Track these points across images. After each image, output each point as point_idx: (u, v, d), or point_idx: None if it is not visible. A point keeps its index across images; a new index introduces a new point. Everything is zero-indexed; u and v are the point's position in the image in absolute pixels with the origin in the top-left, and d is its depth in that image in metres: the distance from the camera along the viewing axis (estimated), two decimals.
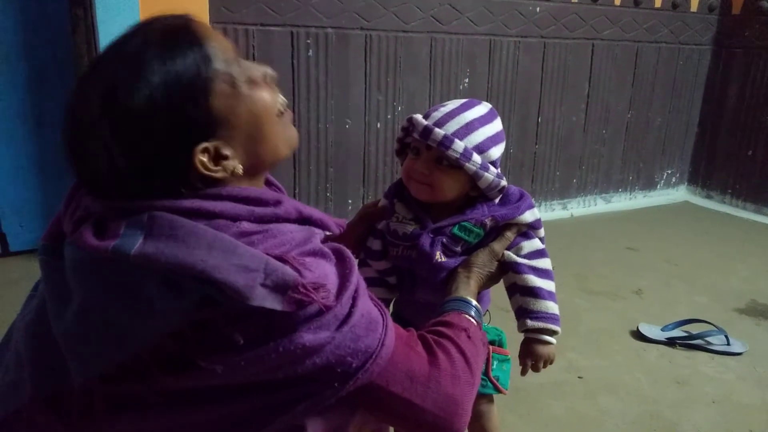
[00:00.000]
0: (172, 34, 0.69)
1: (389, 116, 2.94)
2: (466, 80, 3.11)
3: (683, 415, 1.69)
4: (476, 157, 1.01)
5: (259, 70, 0.76)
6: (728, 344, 2.04)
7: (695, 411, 1.71)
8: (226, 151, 0.71)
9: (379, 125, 2.93)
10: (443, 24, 2.95)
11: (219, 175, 0.71)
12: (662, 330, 2.13)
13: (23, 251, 2.59)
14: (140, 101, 0.65)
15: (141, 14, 2.24)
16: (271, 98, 0.76)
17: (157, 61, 0.66)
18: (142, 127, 0.66)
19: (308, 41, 2.65)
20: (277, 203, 0.74)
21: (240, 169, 0.72)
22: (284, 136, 0.79)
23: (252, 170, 0.76)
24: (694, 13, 3.72)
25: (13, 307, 0.82)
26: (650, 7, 3.54)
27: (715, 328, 2.10)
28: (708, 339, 2.07)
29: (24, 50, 2.42)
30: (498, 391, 1.15)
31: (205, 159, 0.69)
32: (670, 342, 2.08)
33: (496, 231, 1.08)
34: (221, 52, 0.71)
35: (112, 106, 0.66)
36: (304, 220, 0.77)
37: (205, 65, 0.69)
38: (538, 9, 3.19)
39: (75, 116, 0.70)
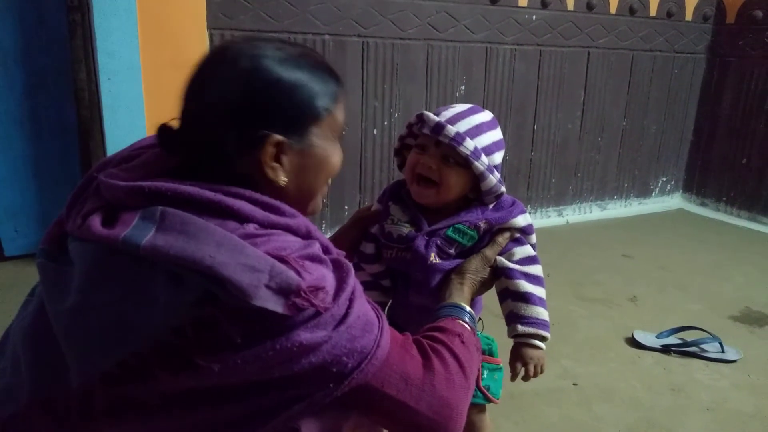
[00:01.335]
0: (330, 67, 0.81)
1: (386, 123, 2.95)
2: (463, 87, 3.13)
3: (678, 422, 1.70)
4: (484, 158, 1.04)
5: (341, 150, 0.87)
6: (723, 351, 2.05)
7: (690, 418, 1.72)
8: (285, 160, 0.76)
9: (375, 132, 2.94)
10: (440, 31, 2.97)
11: (269, 171, 0.75)
12: (657, 337, 2.13)
13: (18, 256, 2.58)
14: (284, 70, 0.74)
15: (138, 20, 2.25)
16: (338, 166, 0.84)
17: (312, 65, 0.78)
18: (269, 84, 0.74)
19: None
20: (293, 216, 0.76)
21: (283, 182, 0.77)
22: (317, 197, 0.85)
23: (281, 197, 0.78)
24: (688, 21, 3.74)
25: (8, 312, 0.82)
26: (645, 15, 3.57)
27: (710, 336, 2.10)
28: (702, 346, 2.07)
29: (21, 55, 2.42)
30: (488, 400, 1.15)
31: (272, 150, 0.74)
32: (665, 349, 2.08)
33: (490, 235, 1.09)
34: (343, 110, 0.83)
35: (263, 59, 0.74)
36: (309, 239, 0.78)
37: (334, 101, 0.79)
38: (534, 17, 3.21)
39: (223, 53, 0.77)
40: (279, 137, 0.74)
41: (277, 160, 0.76)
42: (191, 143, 0.75)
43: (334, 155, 0.82)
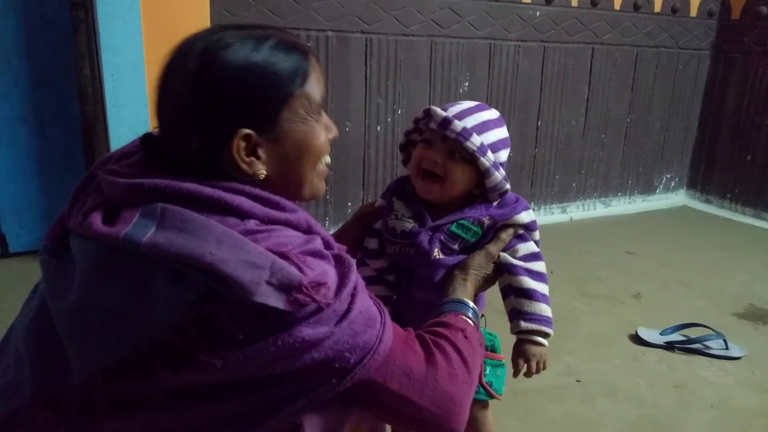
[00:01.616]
0: (293, 42, 0.77)
1: (389, 119, 2.95)
2: (466, 84, 3.12)
3: (681, 419, 1.69)
4: (490, 154, 1.04)
5: (332, 124, 0.84)
6: (727, 348, 2.05)
7: (693, 415, 1.71)
8: (261, 152, 0.75)
9: (379, 128, 2.94)
10: (443, 28, 2.96)
11: (244, 166, 0.74)
12: (661, 334, 2.13)
13: (23, 252, 2.59)
14: (235, 61, 0.71)
15: (142, 16, 2.25)
16: (324, 144, 0.81)
17: (269, 46, 0.73)
18: (220, 80, 0.71)
19: (309, 44, 2.65)
20: (293, 211, 0.75)
21: (262, 174, 0.75)
22: (312, 182, 0.83)
23: (271, 188, 0.77)
24: (693, 18, 3.73)
25: (12, 309, 0.83)
26: (650, 11, 3.55)
27: (714, 333, 2.10)
28: (706, 343, 2.07)
29: (25, 52, 2.42)
30: (491, 396, 1.15)
31: (242, 144, 0.72)
32: (669, 346, 2.08)
33: (493, 232, 1.09)
34: (317, 83, 0.78)
35: (210, 54, 0.71)
36: (310, 234, 0.78)
37: (301, 79, 0.75)
38: (538, 13, 3.20)
39: (175, 55, 0.74)
40: (245, 131, 0.72)
41: (253, 152, 0.74)
42: (170, 150, 0.75)
43: (315, 135, 0.79)
